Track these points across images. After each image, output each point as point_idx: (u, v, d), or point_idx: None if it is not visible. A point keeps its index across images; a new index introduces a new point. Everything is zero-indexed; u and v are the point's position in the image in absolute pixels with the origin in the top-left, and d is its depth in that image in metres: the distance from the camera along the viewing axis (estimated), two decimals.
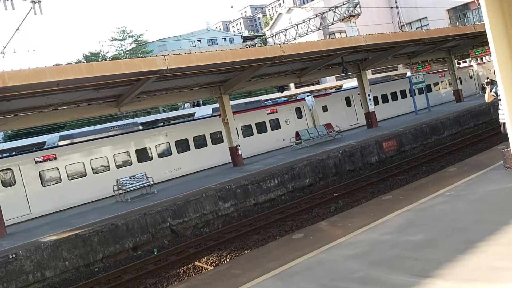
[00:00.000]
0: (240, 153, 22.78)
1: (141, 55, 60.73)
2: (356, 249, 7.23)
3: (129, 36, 69.30)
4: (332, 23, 40.42)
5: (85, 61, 53.83)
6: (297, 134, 25.70)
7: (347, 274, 6.26)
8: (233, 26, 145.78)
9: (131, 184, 18.86)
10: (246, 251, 12.55)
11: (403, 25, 52.53)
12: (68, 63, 46.68)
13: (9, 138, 42.29)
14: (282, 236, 12.79)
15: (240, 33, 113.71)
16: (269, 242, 12.06)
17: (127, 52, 67.02)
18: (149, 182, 19.31)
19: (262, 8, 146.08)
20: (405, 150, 22.85)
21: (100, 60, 54.54)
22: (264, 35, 73.36)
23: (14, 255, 12.40)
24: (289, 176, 18.47)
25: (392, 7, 53.47)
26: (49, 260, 12.80)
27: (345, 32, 42.90)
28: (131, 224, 14.34)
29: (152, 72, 15.92)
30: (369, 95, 27.79)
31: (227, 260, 12.23)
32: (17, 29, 18.90)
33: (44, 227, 16.13)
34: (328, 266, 6.76)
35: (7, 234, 15.94)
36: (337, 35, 49.94)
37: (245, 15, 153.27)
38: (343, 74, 25.85)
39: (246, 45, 61.00)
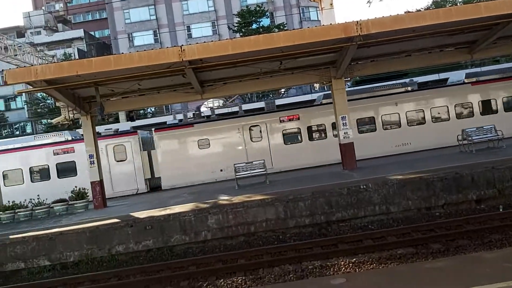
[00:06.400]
0: None
1: None
2: None
3: None
4: None
5: (433, 7, 52.65)
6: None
7: None
8: None
9: (478, 135, 18.03)
10: None
11: None
12: (417, 10, 46.78)
13: (356, 83, 45.85)
14: None
15: None
16: None
17: None
18: (497, 135, 17.97)
19: None
20: None
21: (451, 5, 52.18)
22: None
23: (364, 186, 13.98)
24: None
25: None
26: (394, 197, 13.84)
27: None
28: (476, 176, 13.85)
29: None
30: None
31: None
32: None
33: (389, 166, 17.43)
34: None
35: (357, 168, 18.01)
36: None
37: None
38: None
39: None
